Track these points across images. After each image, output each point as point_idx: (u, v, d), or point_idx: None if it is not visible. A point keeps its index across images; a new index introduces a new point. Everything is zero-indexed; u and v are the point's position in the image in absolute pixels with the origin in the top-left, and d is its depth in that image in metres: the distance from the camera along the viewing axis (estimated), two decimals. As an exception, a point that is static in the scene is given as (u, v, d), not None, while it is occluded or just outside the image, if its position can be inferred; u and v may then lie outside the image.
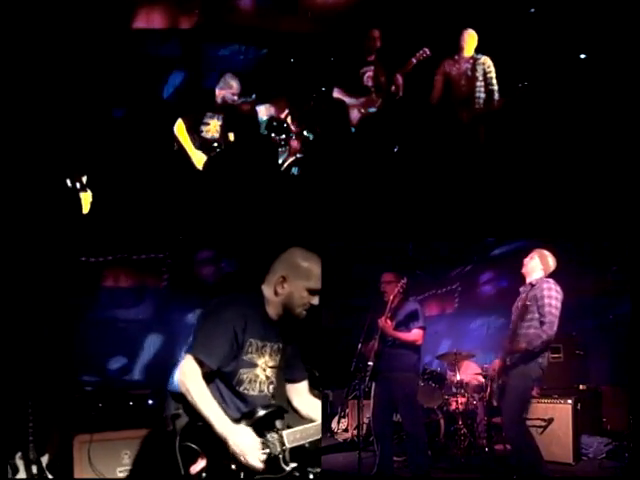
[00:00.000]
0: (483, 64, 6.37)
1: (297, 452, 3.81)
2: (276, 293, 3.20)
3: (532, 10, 6.57)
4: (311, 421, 3.36)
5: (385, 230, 4.82)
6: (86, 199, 5.08)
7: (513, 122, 5.82)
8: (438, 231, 4.91)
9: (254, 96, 6.42)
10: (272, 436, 3.14)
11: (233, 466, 3.01)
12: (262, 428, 3.13)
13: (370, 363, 5.16)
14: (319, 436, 3.29)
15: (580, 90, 5.81)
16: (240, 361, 3.14)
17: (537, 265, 4.73)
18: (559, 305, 4.56)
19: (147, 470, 4.22)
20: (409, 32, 6.80)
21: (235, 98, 6.10)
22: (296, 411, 3.46)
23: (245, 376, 3.16)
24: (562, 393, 6.01)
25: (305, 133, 6.41)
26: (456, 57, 6.41)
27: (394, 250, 6.82)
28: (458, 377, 6.53)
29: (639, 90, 5.56)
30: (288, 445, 3.17)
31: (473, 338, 8.06)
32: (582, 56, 6.17)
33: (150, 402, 3.58)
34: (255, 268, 3.48)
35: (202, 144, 6.01)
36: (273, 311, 3.23)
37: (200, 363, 3.04)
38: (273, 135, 6.33)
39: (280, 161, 6.20)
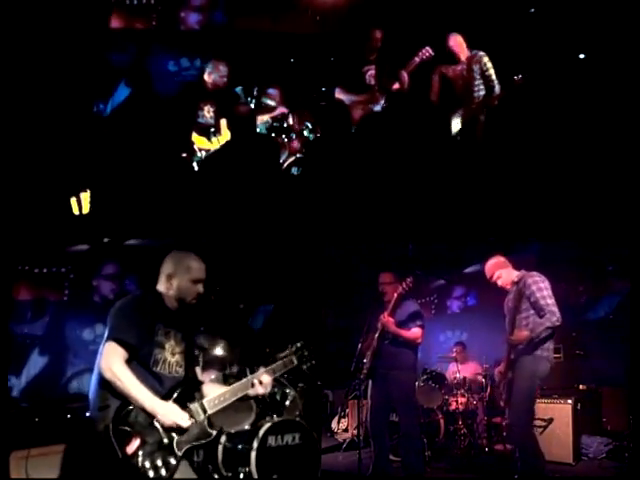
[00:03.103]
0: (479, 62, 6.28)
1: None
2: (167, 289, 3.61)
3: (532, 10, 6.56)
4: (225, 388, 3.66)
5: (385, 231, 4.81)
6: (85, 199, 5.09)
7: (512, 122, 5.82)
8: (438, 232, 4.90)
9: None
10: (194, 406, 3.46)
11: (165, 440, 3.32)
12: (184, 402, 3.44)
13: (365, 361, 5.18)
14: (236, 397, 3.59)
15: (580, 91, 5.81)
16: (153, 343, 3.47)
17: (503, 273, 4.80)
18: (550, 292, 4.56)
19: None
20: (410, 31, 6.78)
21: (225, 80, 6.31)
22: None
23: (159, 356, 3.48)
24: (562, 393, 6.02)
25: (305, 133, 6.42)
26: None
27: (394, 250, 6.81)
28: (459, 376, 6.55)
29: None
30: (210, 411, 3.49)
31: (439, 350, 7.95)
32: (581, 56, 6.17)
33: (87, 414, 3.63)
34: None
35: (201, 130, 6.19)
36: (170, 304, 3.61)
37: (121, 344, 3.36)
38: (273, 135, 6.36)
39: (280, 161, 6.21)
